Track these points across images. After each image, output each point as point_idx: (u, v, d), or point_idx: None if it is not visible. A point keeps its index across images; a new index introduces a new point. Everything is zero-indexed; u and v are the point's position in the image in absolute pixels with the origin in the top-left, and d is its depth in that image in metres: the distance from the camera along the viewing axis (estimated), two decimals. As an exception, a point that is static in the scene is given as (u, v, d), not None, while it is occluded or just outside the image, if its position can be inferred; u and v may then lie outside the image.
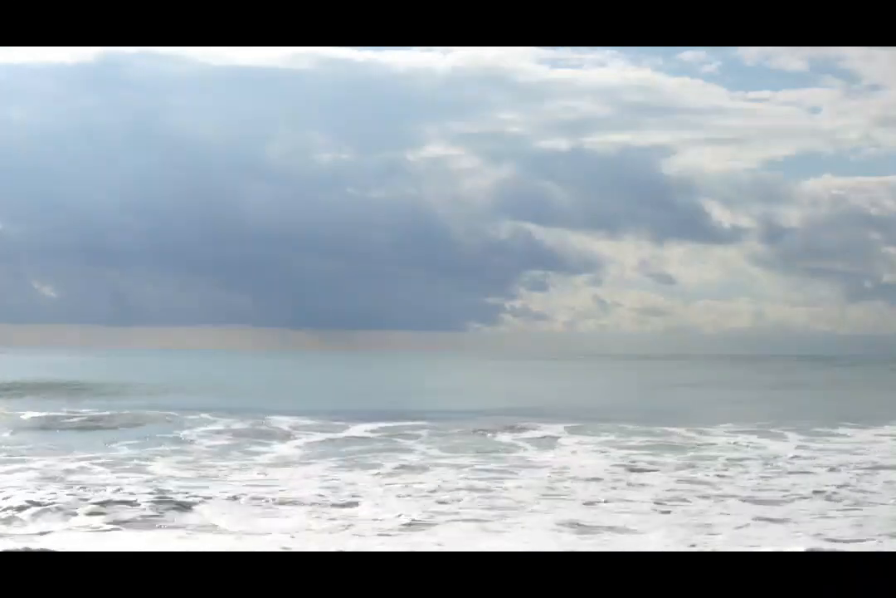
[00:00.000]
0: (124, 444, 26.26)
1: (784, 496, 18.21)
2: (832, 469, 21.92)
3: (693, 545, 13.79)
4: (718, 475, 20.95)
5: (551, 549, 13.29)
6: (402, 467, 22.03)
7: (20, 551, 12.69)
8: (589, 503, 17.19)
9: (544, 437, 29.00)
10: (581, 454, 24.89)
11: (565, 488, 19.00)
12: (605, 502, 17.39)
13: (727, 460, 23.68)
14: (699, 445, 27.14)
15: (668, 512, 16.54)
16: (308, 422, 32.64)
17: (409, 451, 25.46)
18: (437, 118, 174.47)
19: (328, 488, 18.60)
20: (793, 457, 24.29)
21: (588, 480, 20.08)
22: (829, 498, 17.99)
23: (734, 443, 27.45)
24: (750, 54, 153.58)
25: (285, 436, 28.80)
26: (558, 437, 28.96)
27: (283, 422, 32.30)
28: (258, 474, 20.88)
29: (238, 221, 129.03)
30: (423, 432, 29.58)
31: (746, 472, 21.53)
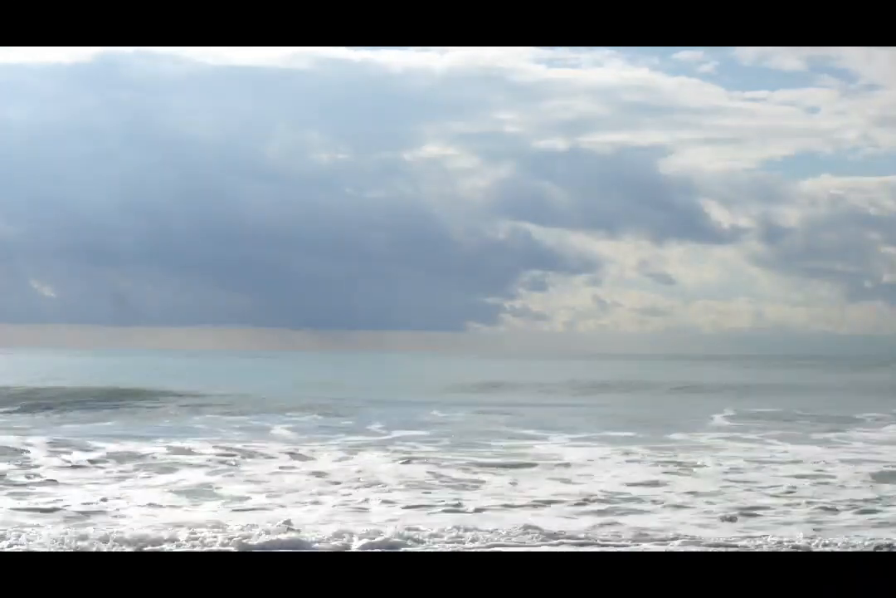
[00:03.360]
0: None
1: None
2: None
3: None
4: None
5: (550, 549, 13.30)
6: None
7: (20, 551, 12.69)
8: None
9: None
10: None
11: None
12: None
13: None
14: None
15: None
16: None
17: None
18: (434, 118, 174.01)
19: None
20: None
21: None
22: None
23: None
24: (746, 54, 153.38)
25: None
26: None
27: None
28: None
29: (237, 221, 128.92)
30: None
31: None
